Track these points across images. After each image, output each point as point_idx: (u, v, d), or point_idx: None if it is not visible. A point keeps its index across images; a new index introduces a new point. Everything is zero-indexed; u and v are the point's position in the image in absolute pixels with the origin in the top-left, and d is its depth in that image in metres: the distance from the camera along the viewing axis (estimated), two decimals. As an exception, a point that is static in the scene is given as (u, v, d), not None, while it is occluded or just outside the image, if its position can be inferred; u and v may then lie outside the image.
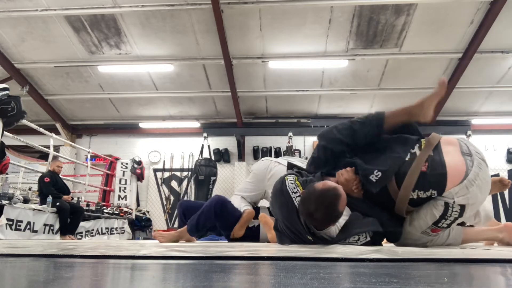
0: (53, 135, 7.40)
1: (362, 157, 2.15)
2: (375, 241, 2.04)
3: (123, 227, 8.55)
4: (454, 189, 1.95)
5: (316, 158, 2.34)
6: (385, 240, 2.85)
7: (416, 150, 2.08)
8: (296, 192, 2.10)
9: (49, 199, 6.06)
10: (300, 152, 10.38)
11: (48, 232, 5.90)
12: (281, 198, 2.15)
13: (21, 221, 5.37)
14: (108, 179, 9.90)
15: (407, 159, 2.04)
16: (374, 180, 2.03)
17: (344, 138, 2.19)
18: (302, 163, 2.82)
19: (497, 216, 9.81)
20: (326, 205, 1.91)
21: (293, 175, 2.23)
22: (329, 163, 2.30)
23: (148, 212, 10.31)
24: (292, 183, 2.15)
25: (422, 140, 2.14)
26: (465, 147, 2.10)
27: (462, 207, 1.96)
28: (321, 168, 2.34)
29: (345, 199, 1.96)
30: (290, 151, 9.45)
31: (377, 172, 2.03)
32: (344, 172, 2.15)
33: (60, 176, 6.98)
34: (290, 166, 2.59)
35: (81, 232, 6.88)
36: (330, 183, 2.02)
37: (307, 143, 10.59)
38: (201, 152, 10.04)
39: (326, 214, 1.93)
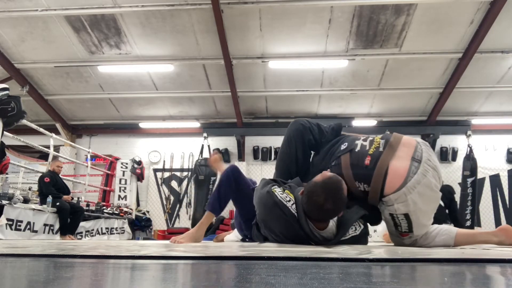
0: (53, 135, 7.40)
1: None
2: (366, 230, 2.17)
3: (123, 227, 8.55)
4: (394, 195, 2.03)
5: (287, 155, 2.46)
6: (384, 239, 2.87)
7: (361, 141, 2.26)
8: (289, 201, 2.04)
9: (49, 199, 6.05)
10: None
11: (48, 232, 5.90)
12: (275, 211, 2.06)
13: (21, 221, 5.37)
14: (108, 179, 9.91)
15: (357, 150, 2.23)
16: (344, 147, 2.26)
17: (313, 130, 2.45)
18: None
19: (497, 216, 9.85)
20: (334, 192, 1.95)
21: (277, 185, 2.18)
22: (299, 163, 2.44)
23: (148, 212, 10.31)
24: (281, 193, 2.10)
25: (377, 137, 2.27)
26: (419, 152, 2.12)
27: (406, 216, 2.05)
28: (292, 170, 2.43)
29: (345, 185, 2.04)
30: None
31: (344, 143, 2.30)
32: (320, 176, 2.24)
33: (60, 176, 6.97)
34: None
35: (81, 232, 6.88)
36: (327, 173, 2.08)
37: (307, 143, 10.59)
38: (201, 152, 10.03)
39: (336, 201, 1.96)
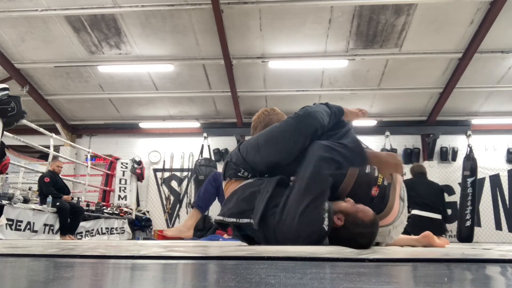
0: (53, 135, 7.40)
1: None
2: None
3: (123, 227, 8.55)
4: (380, 229, 2.07)
5: (287, 148, 2.05)
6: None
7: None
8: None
9: (49, 199, 6.06)
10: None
11: (48, 232, 5.91)
12: (319, 239, 1.89)
13: (21, 221, 5.37)
14: (108, 179, 9.91)
15: (367, 171, 2.12)
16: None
17: (326, 125, 2.13)
18: None
19: (497, 216, 9.85)
20: (376, 234, 1.98)
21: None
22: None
23: (148, 212, 10.31)
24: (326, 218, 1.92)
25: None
26: (403, 190, 2.24)
27: (377, 243, 2.12)
28: (282, 163, 2.10)
29: None
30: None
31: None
32: None
33: (60, 176, 6.98)
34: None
35: (81, 232, 6.88)
36: (369, 211, 1.95)
37: (307, 143, 10.59)
38: (201, 152, 10.03)
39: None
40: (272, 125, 2.20)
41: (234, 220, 1.98)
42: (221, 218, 2.03)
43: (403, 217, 2.16)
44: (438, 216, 5.43)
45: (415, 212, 5.37)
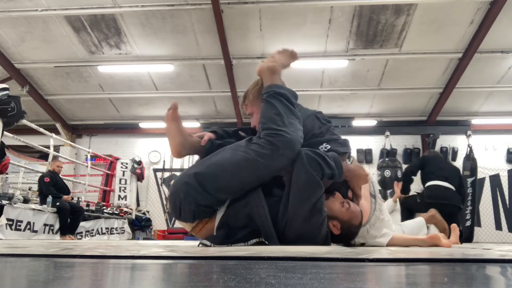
0: (53, 135, 7.40)
1: None
2: None
3: (123, 227, 8.55)
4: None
5: (255, 170, 1.93)
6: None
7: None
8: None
9: (49, 199, 6.06)
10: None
11: (48, 232, 5.91)
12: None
13: (21, 221, 5.37)
14: (108, 179, 9.91)
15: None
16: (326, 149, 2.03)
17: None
18: None
19: (497, 216, 9.85)
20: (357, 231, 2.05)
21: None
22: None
23: (148, 212, 10.31)
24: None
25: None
26: (372, 187, 2.28)
27: (362, 244, 2.20)
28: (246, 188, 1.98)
29: None
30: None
31: (326, 144, 2.05)
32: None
33: (60, 176, 6.98)
34: None
35: (81, 232, 6.88)
36: (355, 211, 1.99)
37: (307, 143, 10.59)
38: (201, 152, 10.03)
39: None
40: (251, 157, 1.94)
41: (242, 244, 1.89)
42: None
43: (377, 213, 2.21)
44: (453, 188, 5.25)
45: (430, 183, 5.21)
